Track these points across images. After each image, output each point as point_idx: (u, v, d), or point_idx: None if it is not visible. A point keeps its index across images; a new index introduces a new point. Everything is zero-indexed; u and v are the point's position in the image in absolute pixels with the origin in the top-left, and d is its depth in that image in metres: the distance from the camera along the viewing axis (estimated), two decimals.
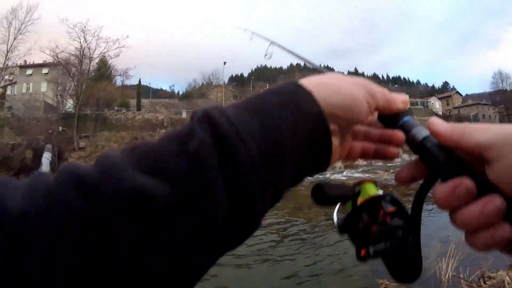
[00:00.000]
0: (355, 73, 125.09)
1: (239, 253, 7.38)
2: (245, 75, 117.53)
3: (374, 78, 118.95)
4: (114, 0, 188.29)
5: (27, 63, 50.10)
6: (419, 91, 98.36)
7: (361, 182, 0.56)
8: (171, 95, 73.55)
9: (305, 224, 10.76)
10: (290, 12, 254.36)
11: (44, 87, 48.53)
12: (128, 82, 52.92)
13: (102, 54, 41.23)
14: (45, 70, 50.06)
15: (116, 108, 44.04)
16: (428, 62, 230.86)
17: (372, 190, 0.54)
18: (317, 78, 0.51)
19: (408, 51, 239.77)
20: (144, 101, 53.46)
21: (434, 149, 0.45)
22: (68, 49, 38.94)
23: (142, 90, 55.01)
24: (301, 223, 10.87)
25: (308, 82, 0.47)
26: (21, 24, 39.56)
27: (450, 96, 79.80)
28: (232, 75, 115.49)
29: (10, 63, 41.78)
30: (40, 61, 49.75)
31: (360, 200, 0.54)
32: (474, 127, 0.43)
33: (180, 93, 74.51)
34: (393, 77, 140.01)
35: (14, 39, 39.05)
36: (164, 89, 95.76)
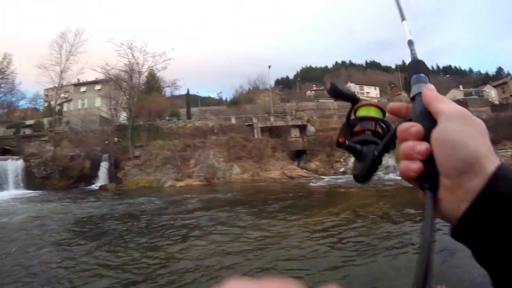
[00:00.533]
0: (403, 65, 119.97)
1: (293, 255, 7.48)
2: (291, 77, 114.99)
3: None
4: (157, 15, 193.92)
5: (81, 81, 52.16)
6: (472, 80, 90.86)
7: (373, 104, 0.70)
8: (219, 102, 74.20)
9: (361, 227, 10.13)
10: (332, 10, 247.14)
11: (98, 102, 50.91)
12: (177, 92, 54.17)
13: (150, 68, 42.57)
14: (98, 87, 52.53)
15: (167, 117, 44.77)
16: (478, 48, 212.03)
17: (375, 114, 0.69)
18: None
19: (455, 37, 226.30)
20: (194, 110, 54.02)
21: (419, 102, 0.57)
22: (117, 66, 40.65)
23: (191, 99, 55.55)
24: (358, 226, 10.22)
25: None
26: (71, 46, 41.48)
27: (505, 83, 72.08)
28: (278, 78, 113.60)
29: (64, 82, 43.79)
30: (93, 79, 52.25)
31: (361, 113, 0.69)
32: (443, 99, 0.53)
33: (228, 99, 75.14)
34: (443, 67, 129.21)
35: (66, 60, 41.15)
36: (212, 96, 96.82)
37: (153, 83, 48.63)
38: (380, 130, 0.67)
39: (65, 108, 54.32)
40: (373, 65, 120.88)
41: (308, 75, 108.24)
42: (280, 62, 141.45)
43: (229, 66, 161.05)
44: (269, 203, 15.78)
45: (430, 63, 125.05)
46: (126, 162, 34.02)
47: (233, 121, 42.40)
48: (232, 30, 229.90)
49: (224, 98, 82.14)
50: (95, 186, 31.73)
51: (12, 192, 28.66)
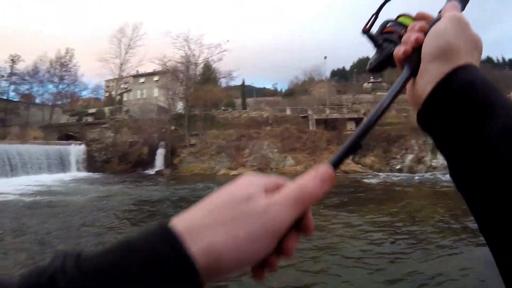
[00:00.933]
0: None
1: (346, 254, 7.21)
2: (347, 68, 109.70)
3: (488, 61, 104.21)
4: (212, 7, 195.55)
5: (139, 72, 53.80)
6: None
7: (407, 15, 0.69)
8: (274, 93, 73.30)
9: (414, 229, 9.46)
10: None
11: (156, 92, 52.33)
12: (232, 83, 54.33)
13: (206, 59, 42.86)
14: (155, 78, 54.16)
15: (222, 108, 44.96)
16: None
17: (408, 22, 0.68)
18: (197, 217, 0.39)
19: None
20: (249, 100, 53.88)
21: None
22: (174, 58, 41.92)
23: (246, 90, 55.47)
24: (412, 228, 9.52)
25: (184, 228, 0.37)
26: (130, 40, 43.61)
27: None
28: (333, 69, 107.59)
29: (124, 74, 45.66)
30: (151, 70, 53.58)
31: (399, 19, 0.69)
32: (456, 10, 0.59)
33: (283, 90, 74.19)
34: (510, 59, 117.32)
35: (126, 53, 43.09)
36: (267, 87, 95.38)
37: (208, 74, 48.99)
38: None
39: (124, 98, 56.60)
40: None
41: (365, 66, 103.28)
42: (336, 53, 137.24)
43: (284, 57, 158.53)
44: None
45: (496, 55, 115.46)
46: (182, 150, 34.69)
47: (288, 112, 41.85)
48: (287, 20, 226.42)
49: (279, 89, 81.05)
50: (151, 171, 32.59)
51: (75, 174, 30.16)
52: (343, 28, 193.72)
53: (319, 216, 10.94)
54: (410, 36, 0.58)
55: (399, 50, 0.58)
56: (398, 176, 25.85)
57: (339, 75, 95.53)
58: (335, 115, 39.43)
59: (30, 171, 27.01)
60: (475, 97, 0.47)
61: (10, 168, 25.48)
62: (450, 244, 7.81)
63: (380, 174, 27.83)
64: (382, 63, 0.67)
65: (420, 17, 0.65)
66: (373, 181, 22.80)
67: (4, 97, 48.35)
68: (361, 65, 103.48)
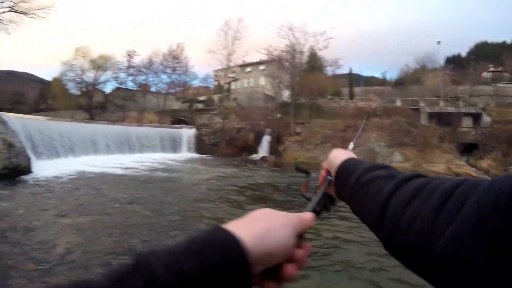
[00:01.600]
0: None
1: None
2: (463, 54, 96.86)
3: None
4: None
5: (246, 62, 55.14)
6: None
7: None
8: (383, 82, 69.64)
9: None
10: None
11: (262, 81, 53.54)
12: (339, 72, 52.88)
13: (311, 47, 42.28)
14: (262, 67, 55.35)
15: (329, 97, 44.10)
16: None
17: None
18: (246, 223, 0.53)
19: None
20: (356, 89, 52.25)
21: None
22: (280, 47, 42.02)
23: (353, 79, 53.97)
24: None
25: (239, 229, 0.49)
26: (236, 32, 45.28)
27: None
28: (448, 56, 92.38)
29: (231, 64, 47.78)
30: (257, 60, 54.50)
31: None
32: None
33: (393, 79, 70.50)
34: None
35: (232, 44, 44.86)
36: (376, 76, 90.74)
37: (314, 62, 48.28)
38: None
39: (232, 87, 58.30)
40: None
41: (484, 52, 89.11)
42: (451, 37, 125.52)
43: (394, 43, 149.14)
44: None
45: None
46: (287, 138, 34.62)
47: (398, 103, 39.50)
48: (396, 4, 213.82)
49: (388, 78, 76.72)
50: (256, 157, 33.16)
51: (185, 154, 32.18)
52: (457, 8, 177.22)
53: None
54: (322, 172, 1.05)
55: (321, 175, 1.05)
56: None
57: (455, 62, 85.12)
58: (450, 109, 35.86)
59: (145, 150, 29.26)
60: (348, 168, 0.90)
61: (128, 146, 27.71)
62: None
63: None
64: (324, 203, 0.92)
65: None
66: None
67: (124, 87, 54.85)
68: (479, 50, 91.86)
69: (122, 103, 51.62)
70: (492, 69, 70.28)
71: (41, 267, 5.21)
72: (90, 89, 53.34)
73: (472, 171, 26.61)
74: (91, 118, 44.96)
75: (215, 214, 9.22)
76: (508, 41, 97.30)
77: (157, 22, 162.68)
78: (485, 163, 28.46)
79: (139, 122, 38.12)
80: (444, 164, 27.45)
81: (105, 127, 27.51)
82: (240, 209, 10.09)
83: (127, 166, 20.46)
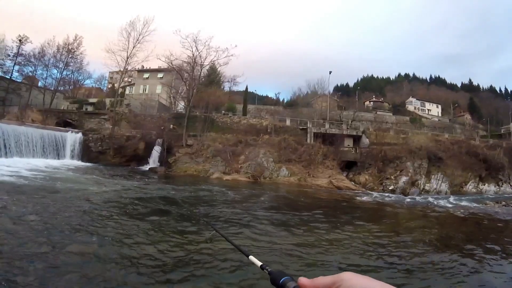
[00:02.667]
0: (470, 84, 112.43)
1: None
2: (351, 85, 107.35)
3: (491, 91, 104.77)
4: (224, 11, 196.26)
5: (145, 67, 54.10)
6: None
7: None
8: (276, 102, 73.26)
9: (402, 251, 9.03)
10: (397, 16, 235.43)
11: (159, 89, 52.90)
12: (235, 88, 54.78)
13: (212, 62, 42.87)
14: (160, 75, 54.55)
15: (223, 111, 45.27)
16: None
17: None
18: None
19: None
20: (250, 107, 54.26)
21: None
22: (181, 57, 41.84)
23: (248, 96, 55.84)
24: (399, 250, 9.11)
25: None
26: (139, 35, 43.17)
27: None
28: (337, 84, 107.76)
29: (129, 68, 45.54)
30: (156, 67, 53.84)
31: None
32: (324, 276, 0.83)
33: (285, 100, 74.26)
34: None
35: (133, 47, 42.95)
36: (270, 96, 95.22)
37: (213, 77, 49.29)
38: None
39: (127, 91, 56.91)
40: (437, 81, 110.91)
41: (369, 84, 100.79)
42: (341, 68, 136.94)
43: (290, 67, 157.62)
44: (312, 210, 14.90)
45: (499, 85, 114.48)
46: (178, 149, 34.72)
47: (288, 123, 42.00)
48: (296, 29, 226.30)
49: (281, 99, 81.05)
50: (145, 167, 32.64)
51: (67, 161, 30.13)
52: (349, 43, 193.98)
53: (309, 230, 10.91)
54: None
55: None
56: (390, 196, 25.62)
57: (342, 90, 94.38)
58: (334, 131, 39.57)
59: (24, 154, 26.91)
60: None
61: (5, 149, 25.25)
62: (435, 269, 7.73)
63: (373, 193, 27.34)
64: None
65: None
66: (366, 199, 22.51)
67: (7, 77, 48.50)
68: (364, 83, 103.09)
69: (4, 95, 46.68)
70: (375, 99, 78.50)
71: None
72: None
73: (351, 185, 30.06)
74: None
75: (103, 230, 8.95)
76: (392, 77, 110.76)
77: (59, 5, 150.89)
78: (363, 178, 32.07)
79: (21, 120, 35.07)
80: (326, 179, 30.14)
81: None
82: (121, 222, 9.94)
83: (2, 171, 18.79)
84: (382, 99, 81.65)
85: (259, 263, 1.16)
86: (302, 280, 0.85)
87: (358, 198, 22.73)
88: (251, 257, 1.27)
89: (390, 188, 29.76)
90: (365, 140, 38.42)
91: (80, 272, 5.79)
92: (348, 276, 0.76)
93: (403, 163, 32.27)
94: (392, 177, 31.40)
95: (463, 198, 25.67)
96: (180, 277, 6.03)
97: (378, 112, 64.02)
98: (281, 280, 0.92)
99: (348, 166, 34.95)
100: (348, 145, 38.49)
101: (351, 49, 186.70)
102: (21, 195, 12.65)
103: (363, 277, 0.75)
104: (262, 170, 31.09)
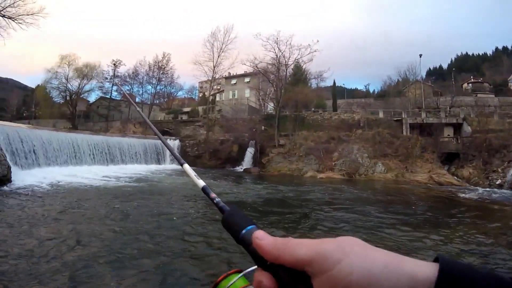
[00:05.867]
0: None
1: None
2: (444, 66, 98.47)
3: (504, 51, 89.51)
4: (297, 9, 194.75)
5: (231, 74, 55.65)
6: None
7: (227, 276, 0.62)
8: (366, 94, 70.86)
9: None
10: None
11: (247, 93, 53.99)
12: (323, 84, 53.85)
13: (296, 60, 42.67)
14: (247, 79, 55.84)
15: (313, 109, 44.70)
16: None
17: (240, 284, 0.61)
18: None
19: None
20: (340, 102, 53.08)
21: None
22: (265, 60, 42.31)
23: (337, 91, 54.63)
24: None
25: None
26: (222, 44, 44.78)
27: None
28: (429, 68, 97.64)
29: (217, 76, 47.71)
30: (242, 72, 55.24)
31: None
32: (297, 242, 0.50)
33: (376, 91, 71.59)
34: None
35: (218, 56, 44.77)
36: (359, 88, 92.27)
37: (299, 75, 48.89)
38: None
39: (217, 98, 59.14)
40: None
41: (464, 64, 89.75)
42: (432, 49, 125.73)
43: (376, 55, 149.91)
44: (409, 209, 13.86)
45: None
46: (271, 149, 35.00)
47: (381, 115, 40.25)
48: (378, 13, 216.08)
49: (371, 90, 78.03)
50: (240, 168, 33.40)
51: (168, 166, 32.05)
52: (438, 21, 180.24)
53: (400, 226, 10.43)
54: None
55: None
56: (497, 192, 22.05)
57: (436, 74, 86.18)
58: (432, 120, 36.77)
59: (129, 161, 29.31)
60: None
61: (111, 157, 27.76)
62: None
63: (478, 188, 24.19)
64: None
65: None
66: (469, 196, 19.90)
67: (108, 96, 54.50)
68: (460, 62, 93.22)
69: (106, 112, 51.68)
70: (473, 80, 71.70)
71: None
72: (74, 98, 52.90)
73: (453, 180, 27.18)
74: (74, 127, 44.72)
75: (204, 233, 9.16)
76: (489, 52, 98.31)
77: (145, 30, 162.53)
78: (466, 171, 28.74)
79: (123, 132, 38.02)
80: (426, 174, 27.94)
81: (88, 137, 27.38)
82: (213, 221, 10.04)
83: (110, 177, 20.41)
84: (481, 79, 74.08)
85: (201, 183, 0.76)
86: (260, 236, 0.54)
87: (461, 194, 20.04)
88: (185, 166, 0.91)
89: (497, 183, 25.61)
90: (467, 128, 34.96)
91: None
92: (334, 252, 0.46)
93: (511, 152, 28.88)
94: (499, 169, 28.00)
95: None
96: None
97: (478, 95, 58.49)
98: (245, 231, 0.57)
99: (449, 158, 31.54)
100: (448, 135, 35.33)
101: (440, 26, 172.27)
102: (130, 197, 13.48)
103: (354, 251, 0.46)
104: (357, 166, 30.03)
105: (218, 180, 22.82)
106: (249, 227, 0.57)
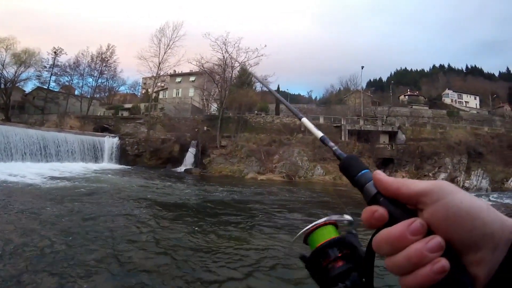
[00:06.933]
0: (508, 73, 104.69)
1: None
2: (384, 79, 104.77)
3: None
4: (251, 12, 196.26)
5: (177, 72, 55.07)
6: None
7: (322, 225, 0.65)
8: (308, 100, 72.94)
9: None
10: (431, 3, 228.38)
11: (191, 92, 53.78)
12: None
13: (243, 63, 42.95)
14: (192, 78, 55.32)
15: (256, 112, 45.34)
16: None
17: (330, 234, 0.64)
18: None
19: None
20: (283, 106, 53.91)
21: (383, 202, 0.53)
22: (212, 60, 42.63)
23: (280, 96, 55.39)
24: None
25: None
26: (169, 41, 44.95)
27: None
28: (370, 79, 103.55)
29: (162, 73, 47.36)
30: (188, 70, 54.71)
31: (317, 244, 0.64)
32: (411, 180, 0.53)
33: (318, 98, 73.67)
34: None
35: (165, 53, 44.76)
36: (302, 94, 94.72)
37: (244, 78, 49.35)
38: (348, 251, 0.63)
39: (160, 96, 58.18)
40: (474, 71, 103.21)
41: (403, 78, 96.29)
42: (373, 62, 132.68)
43: (320, 64, 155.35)
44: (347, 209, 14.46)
45: None
46: (213, 150, 35.08)
47: (321, 121, 41.67)
48: (326, 24, 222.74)
49: (314, 97, 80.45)
50: (180, 169, 33.07)
51: (106, 165, 31.23)
52: (381, 35, 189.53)
53: None
54: (427, 248, 0.48)
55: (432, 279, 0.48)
56: None
57: (376, 85, 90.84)
58: (369, 127, 38.82)
59: (65, 158, 28.17)
60: None
61: (46, 154, 26.55)
62: None
63: None
64: None
65: (368, 220, 0.56)
66: None
67: (45, 87, 51.95)
68: (398, 76, 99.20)
69: (43, 104, 48.98)
70: (409, 92, 76.10)
71: None
72: (8, 86, 48.42)
73: None
74: (7, 119, 41.87)
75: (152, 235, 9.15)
76: (426, 69, 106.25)
77: (91, 19, 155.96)
78: (400, 175, 30.11)
79: (60, 127, 36.47)
80: None
81: (22, 131, 25.86)
82: (162, 225, 10.12)
83: (42, 175, 19.57)
84: (417, 92, 78.84)
85: (319, 134, 0.77)
86: (381, 174, 0.56)
87: None
88: (304, 120, 0.88)
89: None
90: (401, 136, 37.44)
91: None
92: (449, 188, 0.50)
93: (442, 159, 31.35)
94: (430, 174, 30.52)
95: (505, 195, 24.16)
96: None
97: (413, 107, 62.21)
98: (360, 173, 0.59)
99: (385, 163, 33.95)
100: (384, 142, 37.61)
101: (383, 41, 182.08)
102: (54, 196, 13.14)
103: (463, 191, 0.50)
104: (297, 169, 31.00)
105: (158, 180, 22.67)
106: (364, 171, 0.59)
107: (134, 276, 5.75)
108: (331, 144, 0.72)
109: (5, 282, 5.28)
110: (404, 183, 0.53)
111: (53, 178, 19.09)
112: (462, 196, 0.48)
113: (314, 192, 21.93)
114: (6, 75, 48.57)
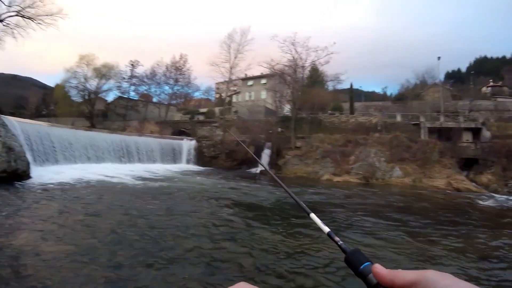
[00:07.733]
0: None
1: None
2: (463, 69, 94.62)
3: None
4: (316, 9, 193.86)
5: (248, 75, 55.78)
6: None
7: None
8: (383, 97, 69.58)
9: None
10: None
11: (263, 94, 54.29)
12: (340, 87, 53.33)
13: (313, 62, 42.33)
14: (263, 81, 55.79)
15: (329, 111, 44.41)
16: None
17: None
18: None
19: None
20: (357, 104, 52.41)
21: None
22: (282, 61, 42.07)
23: (354, 94, 54.04)
24: None
25: None
26: (239, 45, 45.98)
27: None
28: (447, 71, 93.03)
29: (233, 77, 48.65)
30: (259, 73, 54.87)
31: None
32: (405, 270, 0.65)
33: (393, 95, 70.32)
34: None
35: (235, 58, 45.86)
36: (376, 91, 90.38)
37: (316, 77, 48.70)
38: None
39: (234, 99, 59.46)
40: None
41: (483, 67, 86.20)
42: (451, 52, 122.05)
43: (394, 58, 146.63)
44: (427, 216, 13.43)
45: None
46: (287, 152, 34.75)
47: (398, 118, 39.66)
48: (395, 14, 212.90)
49: (389, 94, 76.56)
50: (255, 170, 33.08)
51: (185, 166, 32.62)
52: (458, 23, 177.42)
53: (420, 235, 10.05)
54: None
55: None
56: None
57: (454, 77, 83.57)
58: (450, 124, 35.95)
59: (145, 160, 29.67)
60: None
61: (128, 156, 28.13)
62: None
63: (497, 195, 23.47)
64: None
65: None
66: (488, 203, 19.30)
67: (125, 96, 56.39)
68: (479, 65, 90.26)
69: (124, 112, 52.29)
70: (492, 84, 69.96)
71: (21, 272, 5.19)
72: (92, 97, 53.94)
73: (472, 186, 26.38)
74: (92, 126, 45.26)
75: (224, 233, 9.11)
76: (508, 55, 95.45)
77: (162, 32, 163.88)
78: (485, 178, 27.92)
79: (140, 132, 38.34)
80: (444, 179, 27.25)
81: (106, 136, 27.74)
82: (232, 222, 10.04)
83: (126, 175, 20.54)
84: (500, 83, 72.41)
85: (326, 229, 0.83)
86: (378, 268, 0.66)
87: (480, 201, 19.50)
88: (312, 215, 0.96)
89: None
90: (486, 133, 34.11)
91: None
92: (434, 277, 0.60)
93: None
94: None
95: None
96: None
97: (498, 99, 57.22)
98: (363, 267, 0.69)
99: (468, 164, 30.46)
100: (467, 140, 34.54)
101: (458, 28, 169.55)
102: (145, 195, 13.50)
103: (450, 277, 0.60)
104: (374, 170, 29.59)
105: (235, 181, 22.82)
106: (366, 263, 0.68)
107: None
108: (337, 238, 0.81)
109: (108, 268, 5.65)
110: (396, 274, 0.63)
111: (141, 178, 20.14)
112: (447, 284, 0.58)
113: (392, 194, 20.75)
114: (90, 87, 53.75)
